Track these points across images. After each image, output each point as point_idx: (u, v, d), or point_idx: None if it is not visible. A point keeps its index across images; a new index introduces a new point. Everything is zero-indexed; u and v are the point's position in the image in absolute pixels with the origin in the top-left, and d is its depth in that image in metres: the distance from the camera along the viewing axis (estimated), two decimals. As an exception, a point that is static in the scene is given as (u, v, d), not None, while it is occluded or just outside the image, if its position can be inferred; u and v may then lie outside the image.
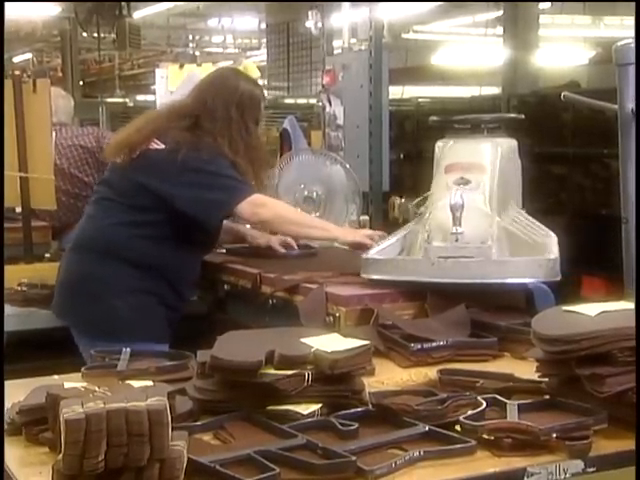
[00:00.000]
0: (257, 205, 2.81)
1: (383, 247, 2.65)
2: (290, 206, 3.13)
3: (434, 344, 2.19)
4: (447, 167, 2.69)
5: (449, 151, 2.76)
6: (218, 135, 2.86)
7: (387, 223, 5.04)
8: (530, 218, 2.73)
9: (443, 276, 2.41)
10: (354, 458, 1.50)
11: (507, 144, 2.81)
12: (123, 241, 2.83)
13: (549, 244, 2.53)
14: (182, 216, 2.79)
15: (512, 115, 3.80)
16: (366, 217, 4.72)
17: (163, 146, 2.85)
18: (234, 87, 2.95)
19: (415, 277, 2.44)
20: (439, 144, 2.81)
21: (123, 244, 2.83)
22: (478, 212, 2.51)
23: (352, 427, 1.63)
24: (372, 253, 2.61)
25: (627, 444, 1.61)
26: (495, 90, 11.02)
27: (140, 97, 16.78)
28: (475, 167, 2.67)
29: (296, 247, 3.23)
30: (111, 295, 2.81)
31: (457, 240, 2.41)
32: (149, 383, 1.73)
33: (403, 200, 2.95)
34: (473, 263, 2.41)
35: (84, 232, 2.96)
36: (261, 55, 14.59)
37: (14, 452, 1.62)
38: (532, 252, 2.48)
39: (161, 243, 2.84)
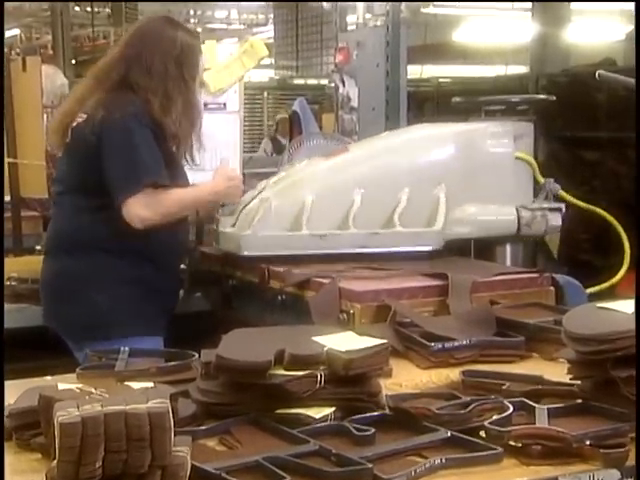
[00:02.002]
0: (142, 207, 2.68)
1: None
2: (164, 194, 2.78)
3: (456, 343, 2.20)
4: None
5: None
6: (150, 91, 2.78)
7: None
8: (441, 208, 2.96)
9: (217, 245, 3.12)
10: (370, 465, 1.50)
11: (476, 130, 3.10)
12: (87, 230, 2.79)
13: (300, 224, 2.91)
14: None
15: (542, 96, 3.83)
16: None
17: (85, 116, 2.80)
18: (172, 38, 2.86)
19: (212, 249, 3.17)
20: None
21: (88, 233, 2.79)
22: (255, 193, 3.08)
23: (368, 432, 1.64)
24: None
25: (666, 452, 1.61)
26: (522, 69, 11.00)
27: (137, 77, 16.77)
28: (338, 151, 3.26)
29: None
30: (90, 290, 2.78)
31: (227, 213, 3.07)
32: (149, 384, 1.74)
33: None
34: (223, 234, 3.05)
35: (50, 234, 2.94)
36: (268, 32, 14.60)
37: (4, 458, 1.63)
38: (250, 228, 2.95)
39: (125, 223, 2.74)
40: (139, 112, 2.75)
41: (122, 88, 2.80)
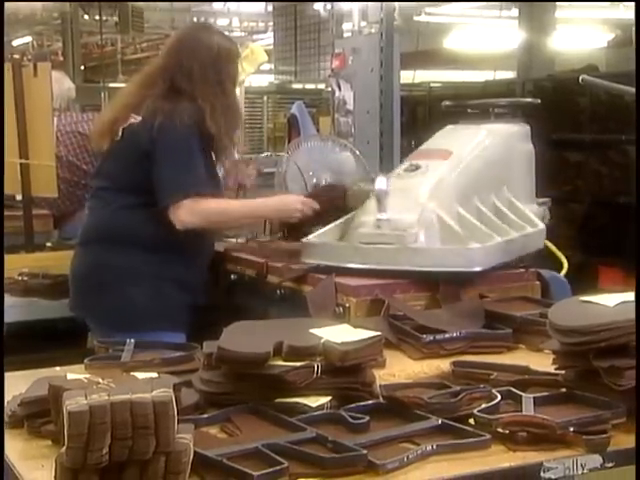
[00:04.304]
0: (188, 213, 2.68)
1: (324, 231, 2.71)
2: (220, 202, 2.83)
3: (447, 335, 2.19)
4: (413, 154, 2.79)
5: (431, 138, 2.86)
6: (200, 98, 2.76)
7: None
8: (520, 207, 2.77)
9: (364, 262, 2.53)
10: (365, 452, 1.50)
11: (507, 129, 2.87)
12: (128, 225, 2.77)
13: (479, 232, 2.57)
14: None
15: (528, 100, 3.81)
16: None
17: (140, 118, 2.78)
18: (208, 44, 2.83)
19: (341, 262, 2.56)
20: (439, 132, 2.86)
21: (128, 229, 2.77)
22: (410, 199, 2.59)
23: (362, 420, 1.64)
24: (311, 237, 2.69)
25: (646, 438, 1.61)
26: (510, 74, 10.99)
27: (143, 82, 16.71)
28: (438, 153, 2.74)
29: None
30: (125, 284, 2.76)
31: (379, 227, 2.53)
32: (154, 375, 1.74)
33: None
34: (390, 250, 2.52)
35: (88, 225, 2.90)
36: (268, 38, 14.58)
37: (15, 445, 1.63)
38: (455, 241, 2.54)
39: (165, 222, 2.73)
40: (194, 121, 2.72)
41: (174, 94, 2.77)
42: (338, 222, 2.75)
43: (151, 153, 2.72)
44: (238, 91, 3.99)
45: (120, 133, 2.82)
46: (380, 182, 2.56)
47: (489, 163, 2.80)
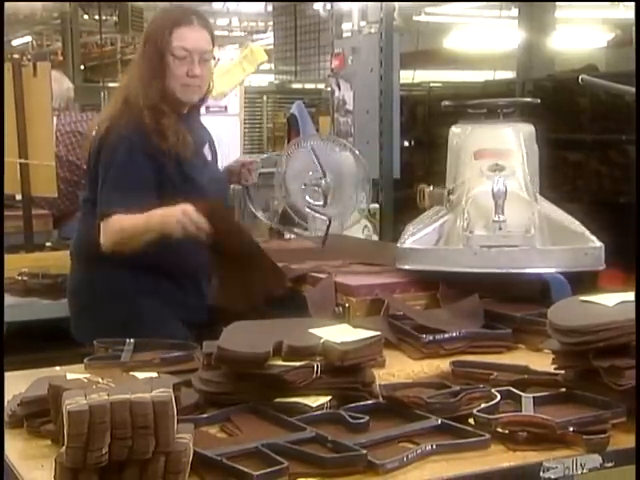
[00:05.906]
0: (102, 235, 2.47)
1: (419, 236, 2.58)
2: (121, 220, 2.48)
3: (446, 335, 2.19)
4: (476, 153, 2.65)
5: (472, 136, 2.72)
6: (132, 89, 2.54)
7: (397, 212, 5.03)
8: (553, 205, 2.69)
9: (486, 266, 2.41)
10: (364, 452, 1.50)
11: (527, 129, 2.78)
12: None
13: (586, 232, 2.51)
14: (156, 203, 2.48)
15: (528, 99, 3.79)
16: (376, 205, 4.72)
17: None
18: (155, 21, 2.62)
19: (456, 267, 2.44)
20: (455, 129, 2.78)
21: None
22: (518, 199, 2.49)
23: (362, 420, 1.64)
24: (409, 242, 2.55)
25: (646, 438, 1.61)
26: (510, 74, 11.00)
27: (143, 82, 16.69)
28: (505, 153, 2.63)
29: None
30: (109, 304, 2.59)
31: (500, 229, 2.41)
32: (154, 374, 1.74)
33: (432, 188, 2.80)
34: (518, 252, 2.41)
35: (77, 236, 2.74)
36: (268, 38, 14.59)
37: (15, 445, 1.63)
38: (573, 240, 2.48)
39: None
40: (134, 133, 2.49)
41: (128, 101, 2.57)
42: (434, 226, 2.58)
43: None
44: (237, 91, 4.00)
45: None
46: (497, 182, 2.43)
47: (534, 163, 2.69)
